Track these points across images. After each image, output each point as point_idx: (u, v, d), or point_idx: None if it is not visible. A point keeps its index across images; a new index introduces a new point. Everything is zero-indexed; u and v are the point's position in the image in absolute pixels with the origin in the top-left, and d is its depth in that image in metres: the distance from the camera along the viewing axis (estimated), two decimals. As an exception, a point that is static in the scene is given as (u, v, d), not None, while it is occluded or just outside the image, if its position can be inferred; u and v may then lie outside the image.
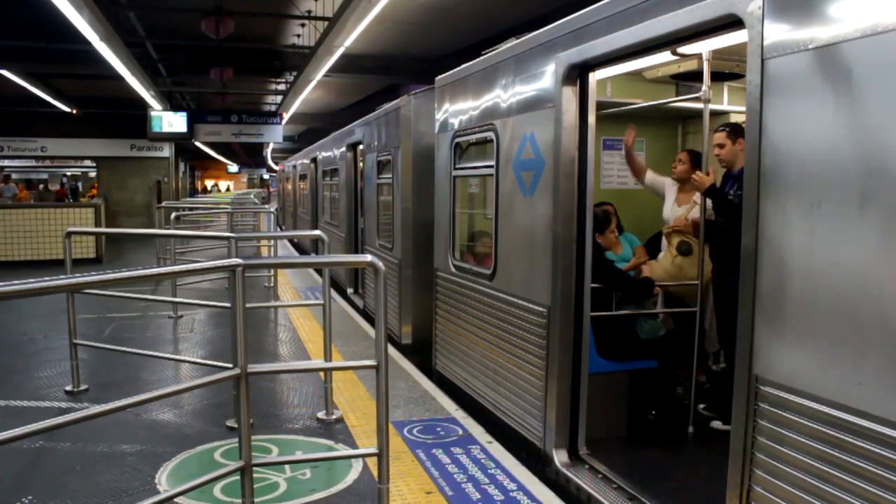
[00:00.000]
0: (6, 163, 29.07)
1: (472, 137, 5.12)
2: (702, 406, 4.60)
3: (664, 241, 4.96)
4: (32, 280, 2.24)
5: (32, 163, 32.07)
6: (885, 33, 1.97)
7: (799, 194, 2.26)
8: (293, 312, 8.21)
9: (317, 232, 5.29)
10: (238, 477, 2.89)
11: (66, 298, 5.05)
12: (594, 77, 3.72)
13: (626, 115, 4.85)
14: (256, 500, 3.03)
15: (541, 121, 3.98)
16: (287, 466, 3.78)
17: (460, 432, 4.37)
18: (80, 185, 33.54)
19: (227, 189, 55.59)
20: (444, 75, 5.72)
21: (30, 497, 3.44)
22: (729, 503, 2.54)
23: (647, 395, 4.49)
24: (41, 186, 30.44)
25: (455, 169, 5.43)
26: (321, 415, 4.61)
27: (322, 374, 4.89)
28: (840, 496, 2.11)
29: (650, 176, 5.18)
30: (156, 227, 13.24)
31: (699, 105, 4.38)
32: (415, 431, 4.38)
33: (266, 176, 61.53)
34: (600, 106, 4.03)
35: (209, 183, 56.80)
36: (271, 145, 31.66)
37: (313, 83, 13.83)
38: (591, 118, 3.73)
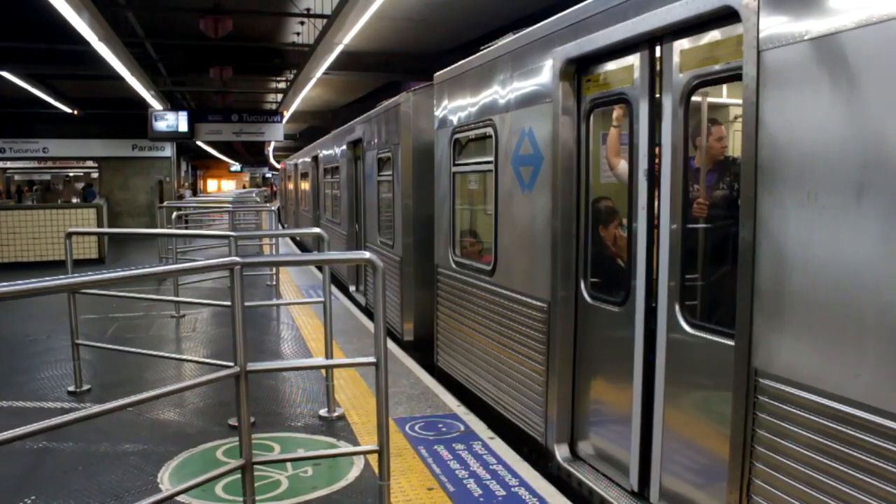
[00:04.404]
0: (8, 164, 29.04)
1: (471, 133, 5.11)
2: None
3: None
4: (33, 280, 2.25)
5: (35, 164, 31.89)
6: (879, 23, 1.96)
7: (796, 186, 2.25)
8: (296, 310, 8.21)
9: (316, 230, 5.30)
10: (239, 475, 2.90)
11: (67, 298, 5.07)
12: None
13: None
14: (258, 497, 3.04)
15: (539, 116, 3.97)
16: (289, 464, 3.79)
17: (462, 428, 4.37)
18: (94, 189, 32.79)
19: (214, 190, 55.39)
20: (442, 72, 5.71)
21: (33, 497, 3.45)
22: (729, 496, 2.54)
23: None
24: (35, 188, 29.95)
25: (454, 165, 5.43)
26: (323, 412, 4.62)
27: (323, 371, 4.90)
28: (839, 487, 2.11)
29: (624, 165, 5.17)
30: (158, 226, 13.26)
31: (697, 98, 4.36)
32: (417, 428, 4.39)
33: (268, 174, 61.53)
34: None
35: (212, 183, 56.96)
36: (273, 144, 31.66)
37: (313, 81, 13.84)
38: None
